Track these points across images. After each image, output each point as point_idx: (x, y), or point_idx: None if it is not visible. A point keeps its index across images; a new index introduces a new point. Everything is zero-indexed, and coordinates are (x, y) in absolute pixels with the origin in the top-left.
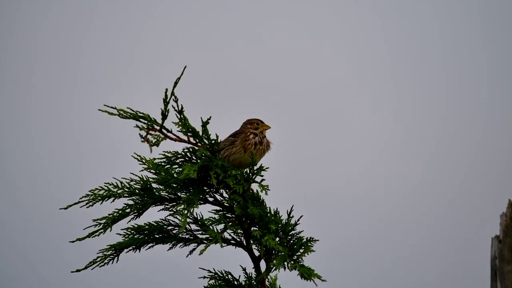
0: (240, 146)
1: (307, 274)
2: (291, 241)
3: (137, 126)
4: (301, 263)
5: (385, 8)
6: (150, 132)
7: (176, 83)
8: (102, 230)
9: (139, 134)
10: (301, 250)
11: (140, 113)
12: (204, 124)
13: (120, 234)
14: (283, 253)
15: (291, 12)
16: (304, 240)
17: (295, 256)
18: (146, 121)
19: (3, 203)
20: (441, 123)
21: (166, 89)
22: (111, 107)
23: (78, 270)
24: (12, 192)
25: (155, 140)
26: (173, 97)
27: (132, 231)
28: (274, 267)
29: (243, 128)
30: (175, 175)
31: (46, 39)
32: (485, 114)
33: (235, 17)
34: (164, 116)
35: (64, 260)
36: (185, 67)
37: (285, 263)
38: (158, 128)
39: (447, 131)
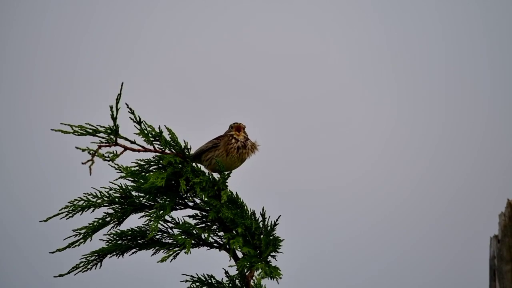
0: (223, 149)
1: (267, 273)
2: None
3: (78, 148)
4: (270, 262)
5: (385, 9)
6: (101, 148)
7: (118, 100)
8: (82, 240)
9: (88, 152)
10: (268, 250)
11: (101, 126)
12: (160, 133)
13: (103, 240)
14: (249, 255)
15: (290, 13)
16: (272, 239)
17: (264, 257)
18: (105, 136)
19: None
20: (441, 124)
21: (111, 106)
22: (66, 125)
23: (61, 275)
24: None
25: (111, 155)
26: (128, 109)
27: (115, 237)
28: (239, 269)
29: (227, 131)
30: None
31: (45, 40)
32: (484, 115)
33: (230, 20)
34: (114, 132)
35: (56, 264)
36: (122, 83)
37: (249, 264)
38: (113, 143)
39: (447, 131)
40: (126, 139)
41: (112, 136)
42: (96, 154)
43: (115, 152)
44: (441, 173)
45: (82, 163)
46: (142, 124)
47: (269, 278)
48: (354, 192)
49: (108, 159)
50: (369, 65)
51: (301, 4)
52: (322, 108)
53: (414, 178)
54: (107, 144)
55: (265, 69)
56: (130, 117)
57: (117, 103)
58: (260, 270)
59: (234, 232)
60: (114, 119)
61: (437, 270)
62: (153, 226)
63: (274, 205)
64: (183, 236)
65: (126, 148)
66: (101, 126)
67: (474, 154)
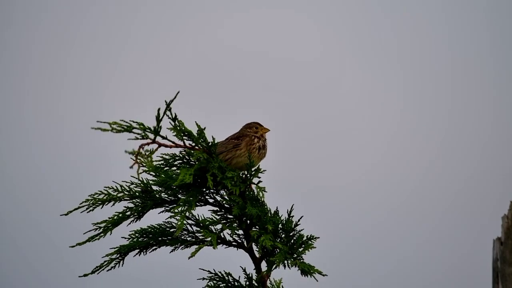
0: (245, 149)
1: (307, 270)
2: (292, 240)
3: (127, 152)
4: (302, 260)
5: (388, 6)
6: (142, 148)
7: (168, 105)
8: (102, 234)
9: (131, 158)
10: (301, 248)
11: (134, 122)
12: (200, 132)
13: (125, 238)
14: (283, 250)
15: (291, 11)
16: (305, 238)
17: (296, 254)
18: (140, 132)
19: (4, 206)
20: (444, 125)
21: (159, 108)
22: (104, 122)
23: (85, 275)
24: (13, 196)
25: (148, 152)
26: (166, 105)
27: (136, 234)
28: (275, 265)
29: (244, 131)
30: (174, 177)
31: (43, 40)
32: (488, 116)
33: (238, 22)
34: (157, 132)
35: (68, 263)
36: (178, 92)
37: (285, 260)
38: (151, 140)
39: (450, 132)
40: (160, 136)
41: (148, 133)
42: (139, 154)
43: (151, 150)
44: (444, 174)
45: (130, 167)
46: (176, 121)
47: (309, 275)
48: (356, 193)
49: (146, 156)
50: (374, 63)
51: (303, 3)
52: (327, 108)
53: (416, 179)
54: (146, 142)
55: (270, 69)
56: (166, 114)
57: (166, 108)
58: (297, 268)
59: (255, 228)
60: (158, 120)
61: (439, 272)
62: (179, 223)
63: (286, 203)
64: (208, 232)
65: (160, 145)
66: (133, 122)
67: (477, 156)
